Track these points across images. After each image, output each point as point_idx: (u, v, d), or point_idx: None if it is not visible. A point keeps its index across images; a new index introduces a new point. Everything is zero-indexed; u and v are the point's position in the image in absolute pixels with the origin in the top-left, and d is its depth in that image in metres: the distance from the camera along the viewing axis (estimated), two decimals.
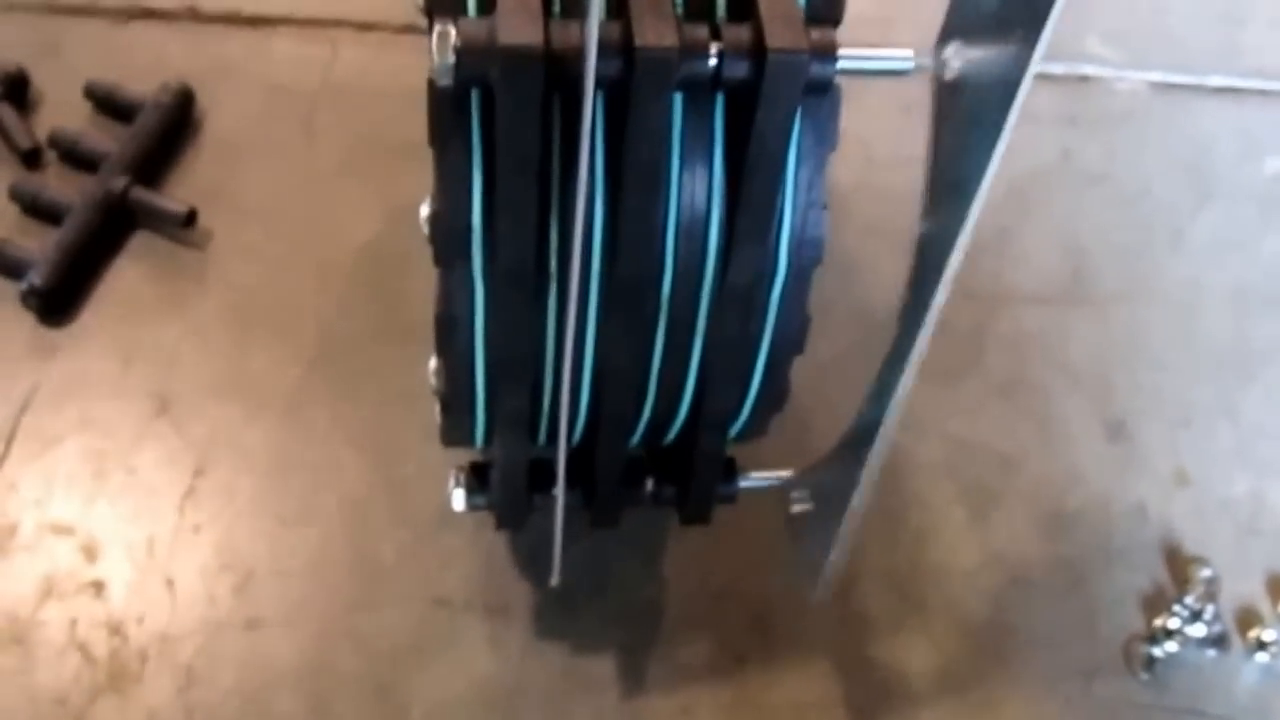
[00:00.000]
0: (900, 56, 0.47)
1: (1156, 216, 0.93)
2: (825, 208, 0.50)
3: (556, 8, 0.45)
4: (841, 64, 0.46)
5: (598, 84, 0.41)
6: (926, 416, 0.80)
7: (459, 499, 0.59)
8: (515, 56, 0.41)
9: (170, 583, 0.72)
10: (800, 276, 0.50)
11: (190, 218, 0.82)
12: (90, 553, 0.73)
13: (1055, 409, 0.82)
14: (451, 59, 0.42)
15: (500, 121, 0.43)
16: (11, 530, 0.73)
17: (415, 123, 0.92)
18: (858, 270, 0.89)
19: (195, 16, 0.97)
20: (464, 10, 0.45)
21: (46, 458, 0.76)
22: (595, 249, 0.47)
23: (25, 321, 0.80)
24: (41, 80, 0.91)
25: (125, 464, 0.76)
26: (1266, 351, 0.86)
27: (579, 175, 0.41)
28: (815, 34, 0.45)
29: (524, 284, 0.47)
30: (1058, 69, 1.02)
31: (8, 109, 0.86)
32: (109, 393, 0.78)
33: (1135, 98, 1.01)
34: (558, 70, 0.42)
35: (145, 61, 0.94)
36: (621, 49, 0.43)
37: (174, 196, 0.86)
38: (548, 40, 0.42)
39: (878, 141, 0.95)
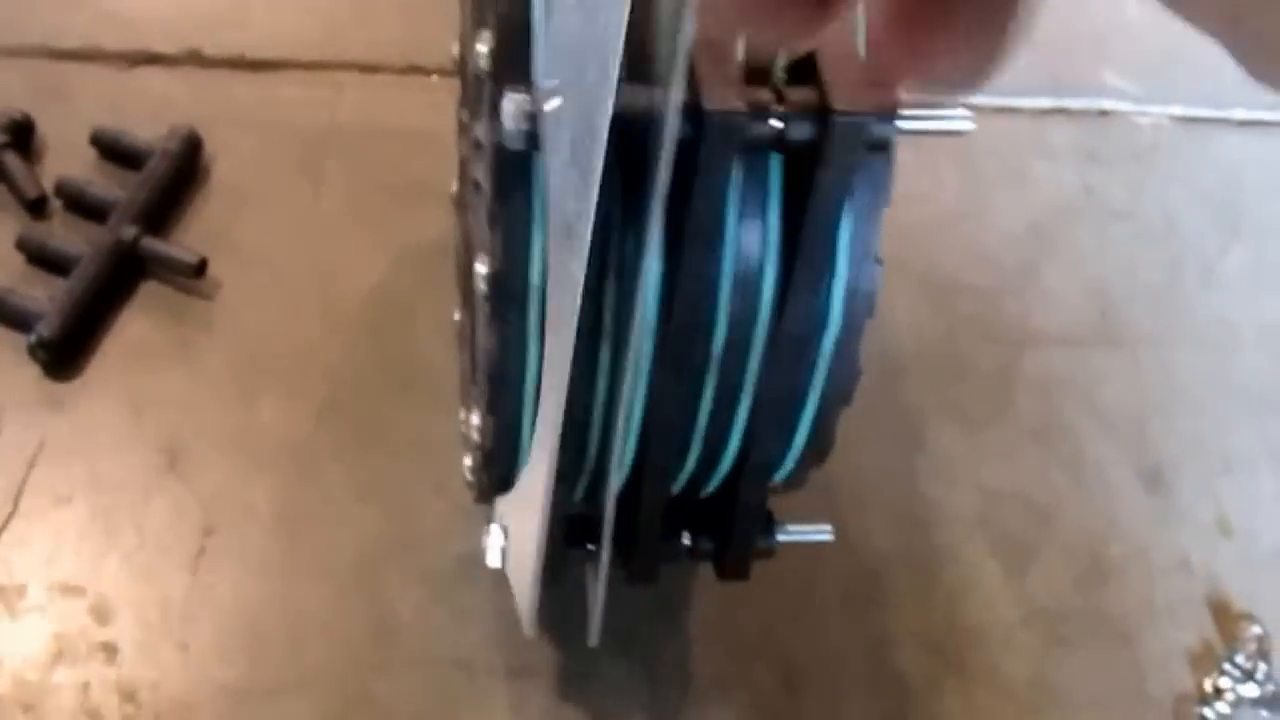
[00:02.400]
0: (960, 116, 0.46)
1: (1184, 253, 0.92)
2: (879, 262, 0.49)
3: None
4: (903, 124, 0.45)
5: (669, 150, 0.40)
6: (957, 465, 0.79)
7: (495, 556, 0.58)
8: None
9: (184, 646, 0.70)
10: (853, 329, 0.49)
11: (201, 267, 0.81)
12: (101, 614, 0.71)
13: (1089, 455, 0.80)
14: (525, 126, 0.41)
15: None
16: (20, 591, 0.71)
17: (420, 164, 0.92)
18: (880, 309, 0.87)
19: (199, 61, 0.95)
20: (528, 75, 0.44)
21: (55, 515, 0.74)
22: (650, 304, 0.46)
23: (32, 374, 0.79)
24: (47, 126, 0.90)
25: (135, 521, 0.74)
26: None
27: (648, 240, 0.40)
28: (879, 92, 0.44)
29: (579, 338, 0.46)
30: (1075, 104, 1.01)
31: (13, 157, 0.85)
32: (118, 447, 0.76)
33: (1158, 131, 1.00)
34: (625, 134, 0.41)
35: (151, 106, 0.92)
36: (689, 112, 0.42)
37: (182, 243, 0.84)
38: (620, 109, 0.41)
39: (895, 179, 0.94)
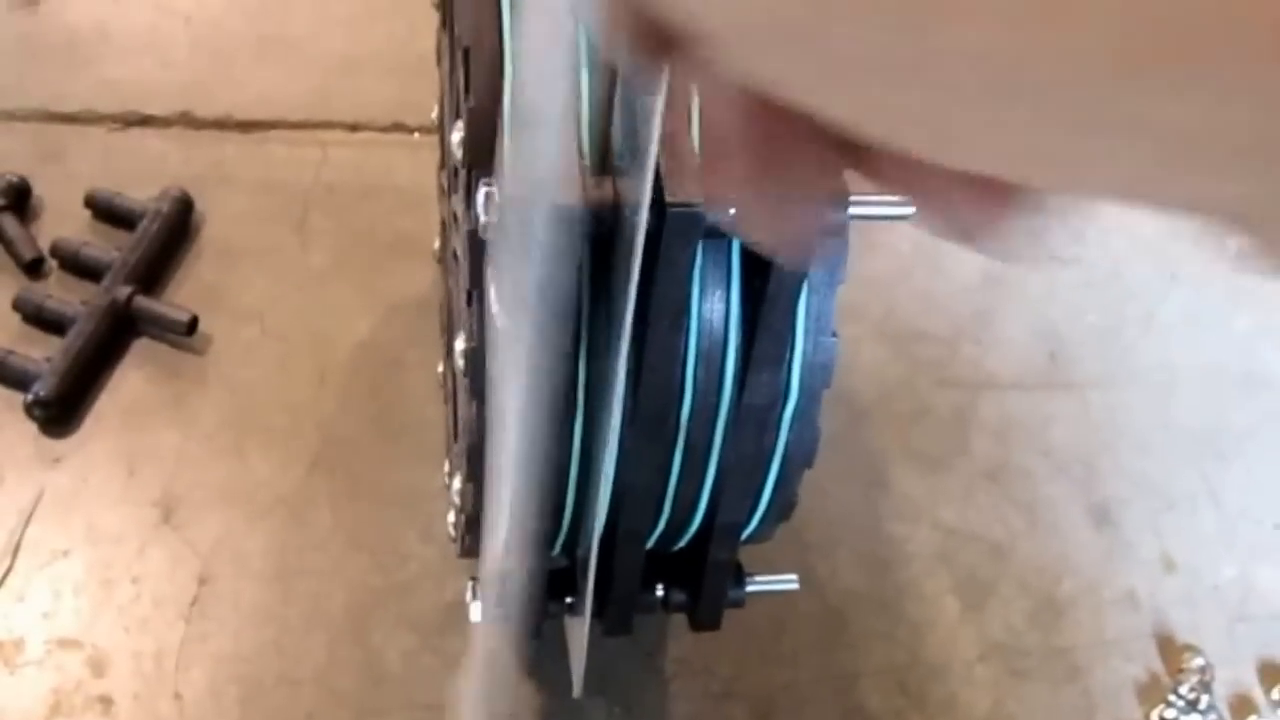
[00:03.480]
0: (902, 203, 0.46)
1: (1128, 298, 0.93)
2: (835, 335, 0.50)
3: (585, 153, 0.45)
4: (853, 210, 0.45)
5: (628, 235, 0.41)
6: (918, 505, 0.79)
7: (477, 611, 0.58)
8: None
9: (179, 696, 0.69)
10: (812, 398, 0.49)
11: (192, 325, 0.81)
12: (98, 666, 0.70)
13: (1041, 495, 0.80)
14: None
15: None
16: (19, 645, 0.70)
17: (405, 220, 0.91)
18: (841, 358, 0.88)
19: (190, 122, 0.95)
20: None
21: (53, 569, 0.73)
22: (620, 379, 0.46)
23: (30, 431, 0.78)
24: (43, 188, 0.89)
25: (131, 574, 0.73)
26: (1243, 431, 0.85)
27: (621, 323, 0.40)
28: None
29: (554, 414, 0.46)
30: None
31: (10, 219, 0.84)
32: (113, 501, 0.76)
33: None
34: (593, 224, 0.42)
35: (144, 167, 0.92)
36: (652, 204, 0.42)
37: (174, 301, 0.84)
38: (586, 199, 0.41)
39: (852, 228, 0.94)
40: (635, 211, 0.40)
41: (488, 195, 0.42)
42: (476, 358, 0.46)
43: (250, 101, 0.97)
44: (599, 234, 0.42)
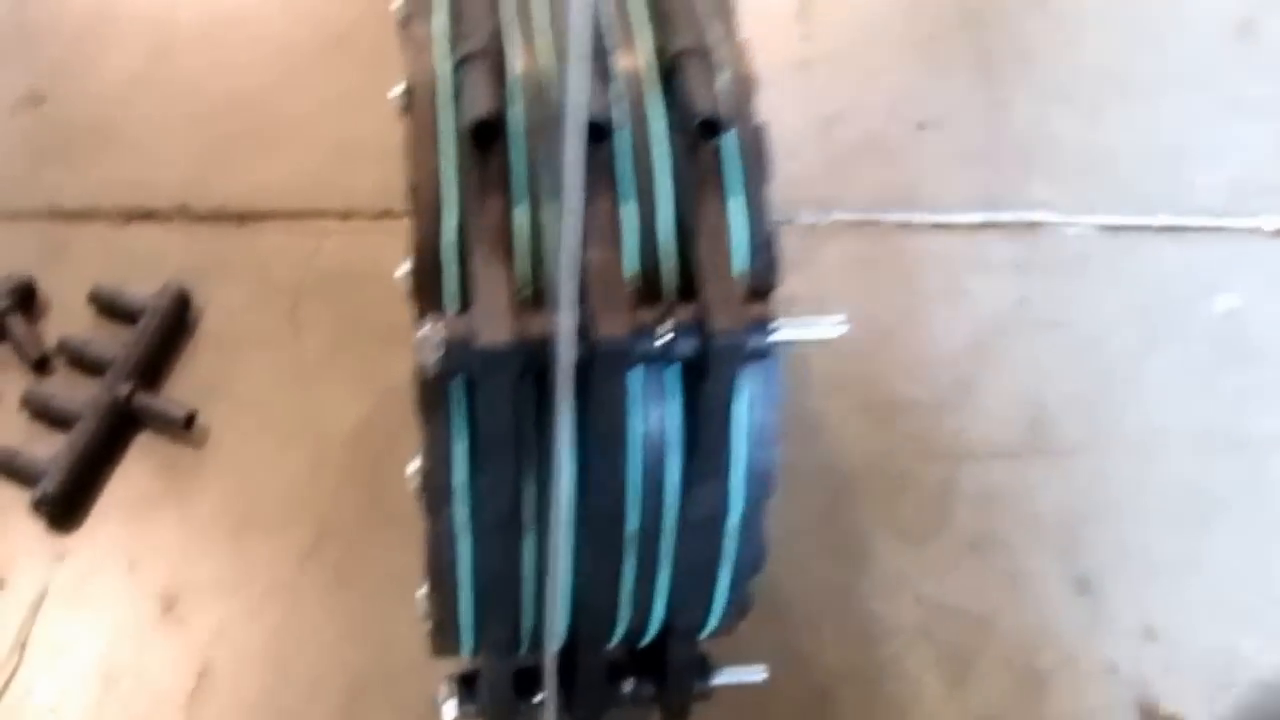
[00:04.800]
0: (831, 323, 0.50)
1: (1112, 362, 0.95)
2: (777, 445, 0.53)
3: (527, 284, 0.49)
4: (778, 335, 0.48)
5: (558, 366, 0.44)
6: (900, 579, 0.82)
7: (450, 710, 0.61)
8: (491, 355, 0.45)
9: None
10: (755, 508, 0.53)
11: (190, 420, 0.85)
12: None
13: (1023, 565, 0.83)
14: (436, 357, 0.45)
15: (479, 402, 0.46)
16: None
17: (394, 307, 0.93)
18: (821, 431, 0.91)
19: (189, 214, 0.99)
20: (443, 302, 0.48)
21: (58, 664, 0.77)
22: (565, 499, 0.50)
23: (36, 527, 0.82)
24: (49, 284, 0.93)
25: (134, 666, 0.77)
26: (1228, 495, 0.87)
27: (556, 448, 0.44)
28: (755, 308, 0.47)
29: (504, 531, 0.50)
30: (1006, 216, 1.04)
31: (17, 320, 0.89)
32: (116, 595, 0.80)
33: (1085, 241, 1.03)
34: (529, 356, 0.45)
35: (145, 260, 0.96)
36: (581, 338, 0.46)
37: (174, 394, 0.88)
38: (519, 335, 0.45)
39: (834, 298, 0.98)
40: (563, 344, 0.43)
41: (425, 338, 0.45)
42: (429, 479, 0.50)
43: (246, 192, 1.01)
44: (541, 364, 0.45)
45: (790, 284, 0.96)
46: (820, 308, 0.95)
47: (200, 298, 0.94)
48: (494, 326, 0.45)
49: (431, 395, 0.47)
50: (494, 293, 0.46)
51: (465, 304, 0.47)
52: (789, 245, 0.98)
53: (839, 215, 1.03)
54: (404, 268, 0.49)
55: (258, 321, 0.94)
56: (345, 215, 1.01)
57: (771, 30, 1.15)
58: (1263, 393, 0.92)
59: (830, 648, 0.79)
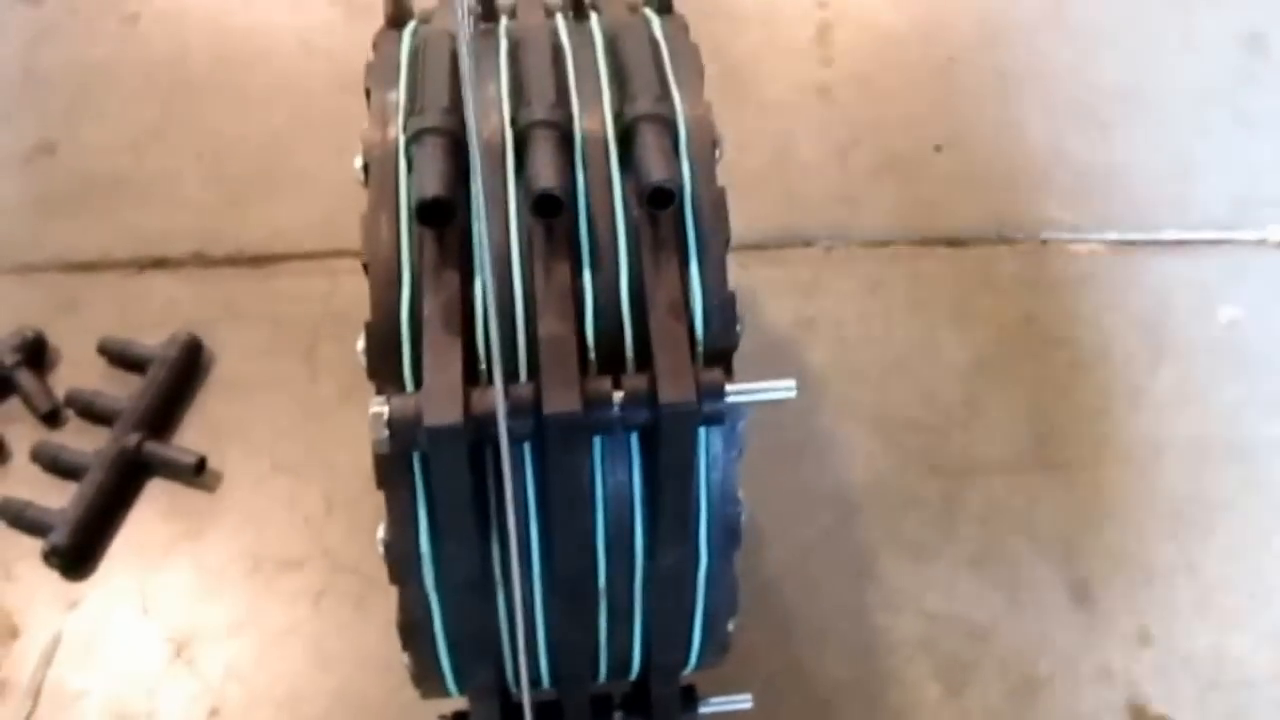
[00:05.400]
0: (783, 387, 0.52)
1: (1117, 376, 0.96)
2: (740, 504, 0.54)
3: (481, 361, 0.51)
4: (731, 399, 0.50)
5: (519, 441, 0.47)
6: (904, 594, 0.83)
7: None
8: (438, 433, 0.47)
9: None
10: (723, 558, 0.54)
11: (200, 466, 0.87)
12: None
13: (1023, 576, 0.84)
14: (385, 434, 0.48)
15: (435, 476, 0.49)
16: None
17: None
18: (833, 451, 0.93)
19: (202, 261, 1.02)
20: (400, 377, 0.50)
21: (72, 710, 0.80)
22: (534, 557, 0.52)
23: (49, 575, 0.85)
24: (59, 337, 0.96)
25: (146, 709, 0.80)
26: (1224, 502, 0.88)
27: (508, 518, 0.46)
28: (706, 375, 0.49)
29: (473, 591, 0.52)
30: (1019, 235, 1.05)
31: (27, 374, 0.92)
32: (128, 640, 0.82)
33: (1094, 259, 1.04)
34: (481, 430, 0.48)
35: (157, 309, 0.99)
36: (533, 411, 0.48)
37: (187, 440, 0.91)
38: (467, 412, 0.47)
39: (849, 322, 1.00)
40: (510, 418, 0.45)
41: (375, 416, 0.48)
42: (393, 548, 0.52)
43: (260, 236, 1.04)
44: (494, 439, 0.48)
45: (805, 308, 0.99)
46: (834, 331, 0.98)
47: (215, 343, 0.97)
48: (442, 405, 0.47)
49: (390, 468, 0.50)
50: (445, 369, 0.48)
51: (420, 379, 0.49)
52: (804, 269, 1.01)
53: (855, 238, 1.05)
54: (361, 344, 0.51)
55: (273, 364, 0.96)
56: (359, 256, 1.03)
57: (791, 55, 1.17)
58: (1261, 401, 0.94)
59: (835, 661, 0.81)
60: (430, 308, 0.49)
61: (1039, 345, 0.99)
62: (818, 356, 0.97)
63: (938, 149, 1.11)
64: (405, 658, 0.58)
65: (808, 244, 1.04)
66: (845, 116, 1.13)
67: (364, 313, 0.98)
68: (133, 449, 0.87)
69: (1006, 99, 1.13)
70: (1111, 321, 1.00)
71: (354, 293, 1.00)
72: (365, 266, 0.51)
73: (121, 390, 0.92)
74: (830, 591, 0.85)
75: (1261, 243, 1.03)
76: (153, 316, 0.98)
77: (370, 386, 0.93)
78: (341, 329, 0.97)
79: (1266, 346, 0.97)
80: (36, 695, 0.80)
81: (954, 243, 1.05)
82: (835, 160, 1.10)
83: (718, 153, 0.54)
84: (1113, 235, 1.05)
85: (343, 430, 0.92)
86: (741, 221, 0.54)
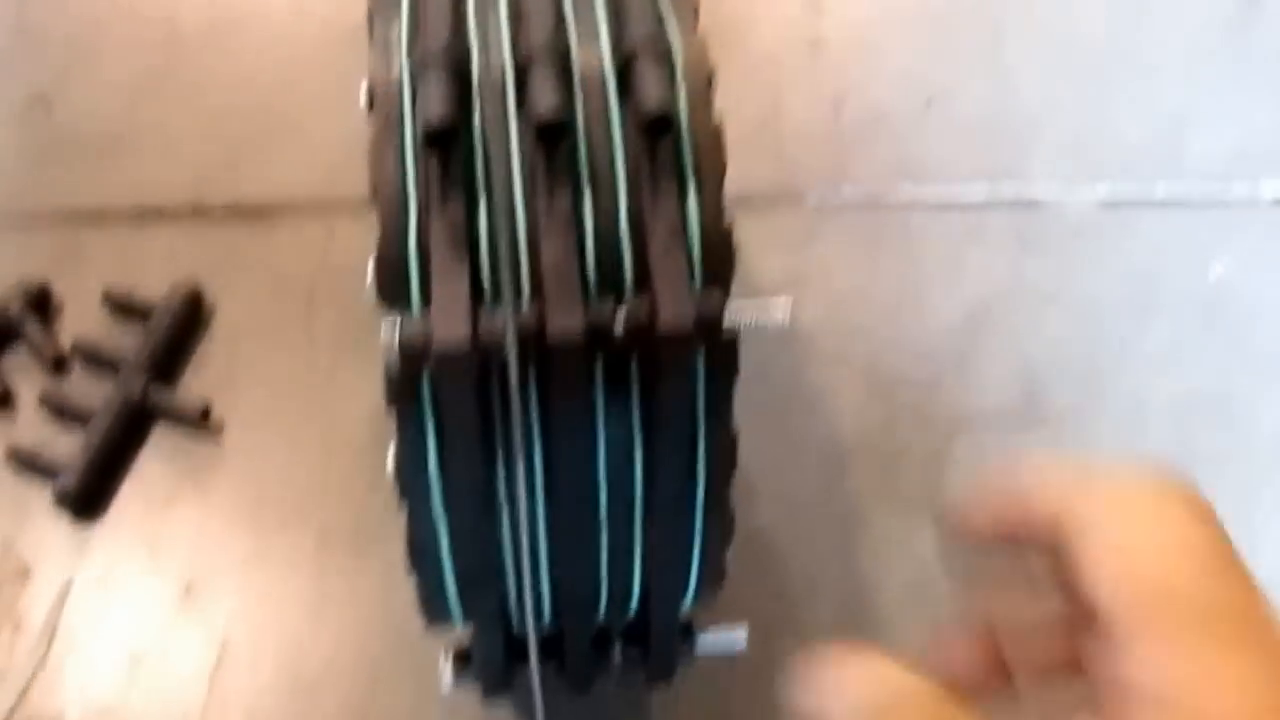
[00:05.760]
0: (779, 306, 0.54)
1: (1106, 332, 0.98)
2: (733, 423, 0.57)
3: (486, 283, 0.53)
4: (729, 320, 0.52)
5: (523, 366, 0.49)
6: (892, 542, 0.86)
7: (447, 681, 0.66)
8: (447, 355, 0.49)
9: None
10: (720, 483, 0.57)
11: (205, 414, 0.90)
12: None
13: None
14: (395, 354, 0.50)
15: (443, 395, 0.51)
16: (59, 718, 0.80)
17: None
18: (824, 404, 0.95)
19: (200, 213, 1.04)
20: (408, 300, 0.53)
21: (87, 648, 0.82)
22: (538, 483, 0.55)
23: (61, 520, 0.87)
24: (64, 286, 0.98)
25: (158, 647, 0.82)
26: (1210, 456, 0.90)
27: (513, 439, 0.49)
28: (704, 296, 0.51)
29: (479, 515, 0.55)
30: (1010, 193, 1.08)
31: (32, 322, 0.94)
32: (138, 582, 0.85)
33: (1085, 215, 1.06)
34: (488, 355, 0.50)
35: (158, 258, 1.00)
36: (537, 331, 0.50)
37: (190, 388, 0.93)
38: (475, 330, 0.50)
39: (839, 277, 1.02)
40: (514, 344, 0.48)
41: (386, 342, 0.50)
42: (402, 470, 0.54)
43: (257, 188, 1.06)
44: (503, 358, 0.50)
45: (795, 263, 1.01)
46: (825, 286, 1.01)
47: (214, 294, 0.99)
48: (450, 327, 0.49)
49: (400, 391, 0.52)
50: (452, 293, 0.50)
51: (428, 302, 0.51)
52: (795, 225, 1.04)
53: (846, 193, 1.07)
54: (370, 270, 0.53)
55: (272, 315, 0.98)
56: (355, 208, 1.05)
57: (783, 9, 1.19)
58: (1250, 357, 0.96)
59: (825, 608, 0.83)
60: (437, 233, 0.51)
61: (1029, 300, 1.01)
62: (808, 311, 0.99)
63: (929, 104, 1.13)
64: (412, 580, 0.61)
65: (798, 199, 1.06)
66: (837, 70, 1.14)
67: (360, 264, 1.02)
68: (139, 396, 0.89)
69: (999, 54, 1.15)
70: (1101, 278, 1.02)
71: (350, 244, 1.03)
72: (374, 192, 0.53)
73: (126, 339, 0.94)
74: (822, 543, 0.87)
75: (1254, 199, 1.06)
76: (153, 267, 1.00)
77: (365, 335, 0.96)
78: (339, 279, 1.00)
79: (1257, 303, 0.99)
80: (52, 634, 0.83)
81: (944, 198, 1.07)
82: (827, 115, 1.12)
83: (713, 85, 0.56)
84: (1104, 191, 1.07)
85: (341, 379, 0.94)
86: (731, 176, 0.56)
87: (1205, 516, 0.37)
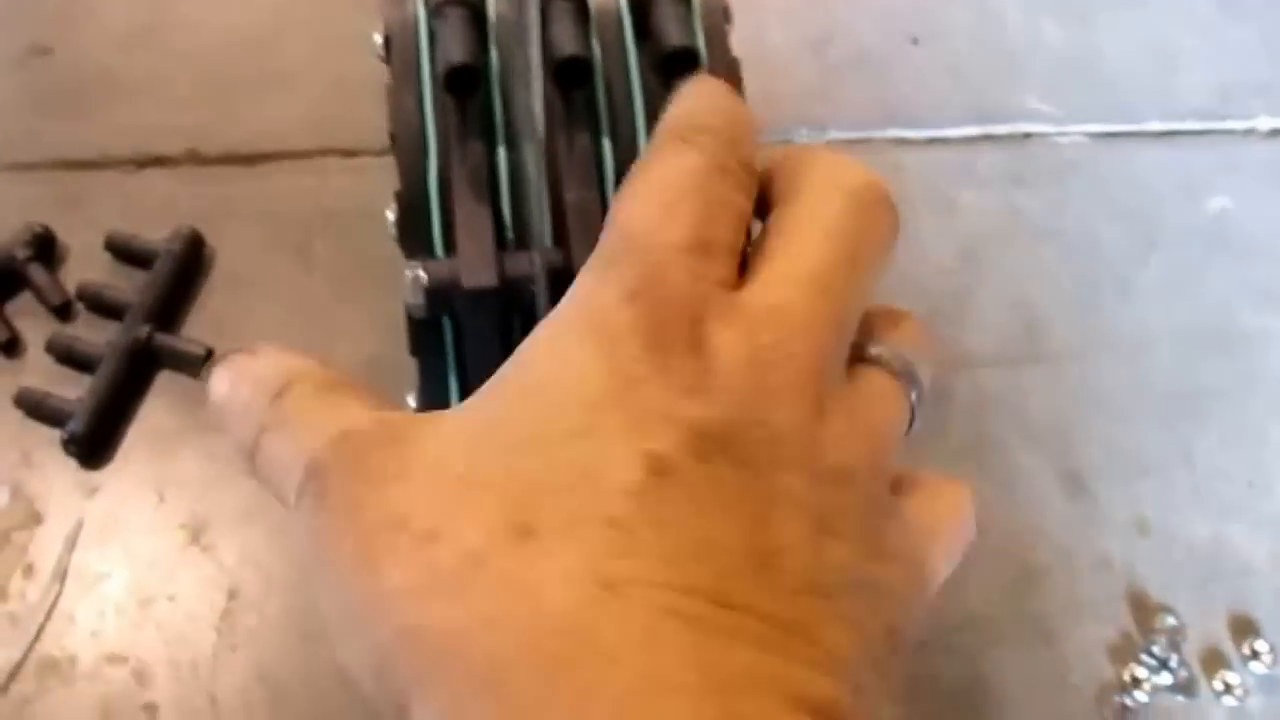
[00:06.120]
0: None
1: (1105, 267, 0.98)
2: None
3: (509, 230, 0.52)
4: None
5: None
6: None
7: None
8: (475, 297, 0.48)
9: (214, 700, 0.77)
10: None
11: (207, 357, 0.88)
12: (142, 677, 0.78)
13: (1017, 466, 0.86)
14: (422, 299, 0.49)
15: (466, 340, 0.50)
16: (72, 661, 0.79)
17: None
18: None
19: (197, 159, 1.02)
20: (431, 247, 0.51)
21: (97, 591, 0.82)
22: None
23: (69, 465, 0.86)
24: (66, 233, 0.97)
25: (166, 592, 0.81)
26: (1216, 391, 0.90)
27: None
28: None
29: None
30: (1000, 129, 1.06)
31: (38, 268, 0.92)
32: (147, 526, 0.84)
33: (1078, 150, 1.05)
34: (513, 297, 0.48)
35: (157, 205, 0.99)
36: (564, 273, 0.49)
37: (192, 333, 0.92)
38: (501, 274, 0.48)
39: None
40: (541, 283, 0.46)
41: (414, 280, 0.48)
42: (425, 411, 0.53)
43: (252, 135, 1.04)
44: (526, 301, 0.49)
45: None
46: None
47: (213, 239, 0.98)
48: (477, 268, 0.48)
49: (422, 334, 0.51)
50: (476, 235, 0.49)
51: (450, 246, 0.50)
52: None
53: (833, 134, 1.05)
54: (391, 214, 0.52)
55: (269, 260, 0.97)
56: (349, 153, 1.03)
57: None
58: (1251, 290, 0.95)
59: None
60: (458, 176, 0.49)
61: (1025, 237, 1.00)
62: None
63: (915, 42, 1.11)
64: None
65: (784, 140, 1.04)
66: (820, 9, 1.12)
67: (354, 210, 1.00)
68: (143, 340, 0.88)
69: None
70: (1098, 213, 1.01)
71: (344, 190, 1.02)
72: (392, 138, 0.51)
73: (129, 284, 0.93)
74: None
75: (1250, 132, 1.04)
76: (153, 213, 0.99)
77: (360, 280, 0.95)
78: (333, 226, 0.99)
79: (1256, 236, 0.98)
80: (63, 578, 0.81)
81: (934, 136, 1.05)
82: (811, 55, 1.10)
83: (729, 19, 0.55)
84: (1096, 126, 1.06)
85: (337, 323, 0.93)
86: None
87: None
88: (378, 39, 0.56)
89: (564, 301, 0.36)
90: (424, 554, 0.32)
